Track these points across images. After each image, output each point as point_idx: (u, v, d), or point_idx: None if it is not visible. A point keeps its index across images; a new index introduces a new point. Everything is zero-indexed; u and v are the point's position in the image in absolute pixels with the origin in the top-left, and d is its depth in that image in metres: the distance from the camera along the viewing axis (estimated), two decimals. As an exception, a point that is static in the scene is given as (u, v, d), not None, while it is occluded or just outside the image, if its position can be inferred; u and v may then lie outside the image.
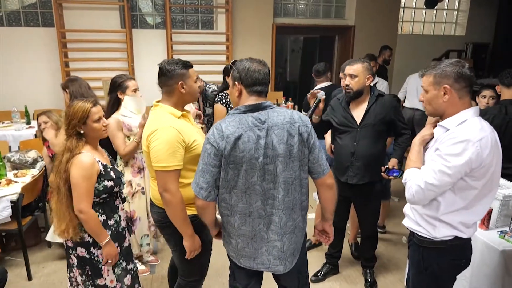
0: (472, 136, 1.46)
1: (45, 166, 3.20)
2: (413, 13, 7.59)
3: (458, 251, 1.64)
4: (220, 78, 6.13)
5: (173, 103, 1.84)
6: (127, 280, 2.02)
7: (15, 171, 3.08)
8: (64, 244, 1.96)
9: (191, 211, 1.82)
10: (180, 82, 1.80)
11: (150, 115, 1.89)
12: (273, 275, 1.83)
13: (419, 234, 1.68)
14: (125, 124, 2.60)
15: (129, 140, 2.62)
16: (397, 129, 2.51)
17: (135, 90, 2.68)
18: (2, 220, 2.67)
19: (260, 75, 1.58)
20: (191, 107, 3.05)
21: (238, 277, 1.81)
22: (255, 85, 1.58)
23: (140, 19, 5.92)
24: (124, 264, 2.00)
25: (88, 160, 1.78)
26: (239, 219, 1.63)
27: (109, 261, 1.88)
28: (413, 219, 1.71)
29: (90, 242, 1.87)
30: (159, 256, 3.14)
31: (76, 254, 1.89)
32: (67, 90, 2.88)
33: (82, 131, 1.81)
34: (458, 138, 1.48)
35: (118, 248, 1.94)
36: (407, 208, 1.78)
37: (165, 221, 1.88)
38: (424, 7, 7.10)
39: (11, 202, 2.64)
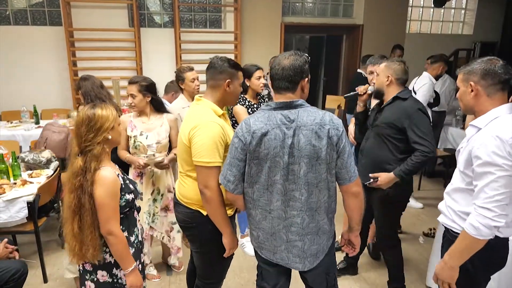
0: (502, 134, 1.43)
1: (59, 166, 3.16)
2: (421, 12, 7.55)
3: (493, 250, 1.59)
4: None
5: (215, 99, 1.83)
6: None
7: (30, 172, 3.04)
8: (80, 269, 1.75)
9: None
10: (228, 80, 1.81)
11: (191, 109, 1.88)
12: (301, 276, 1.80)
13: (454, 230, 1.65)
14: (132, 123, 2.58)
15: (130, 140, 2.56)
16: (409, 140, 2.23)
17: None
18: (19, 221, 2.63)
19: (282, 71, 1.53)
20: None
21: (266, 276, 1.78)
22: (277, 80, 1.55)
23: (148, 18, 5.88)
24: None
25: (111, 175, 1.61)
26: (260, 214, 1.64)
27: None
28: (449, 217, 1.68)
29: (112, 262, 1.69)
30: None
31: (95, 280, 1.71)
32: (80, 90, 2.85)
33: (109, 137, 1.65)
34: (489, 134, 1.46)
35: (140, 265, 1.78)
36: (442, 205, 1.76)
37: (192, 221, 1.85)
38: (432, 6, 7.06)
39: (28, 203, 2.60)
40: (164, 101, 4.31)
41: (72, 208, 1.59)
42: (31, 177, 2.94)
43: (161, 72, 5.65)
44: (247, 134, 1.53)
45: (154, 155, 2.56)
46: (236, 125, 2.81)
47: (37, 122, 4.62)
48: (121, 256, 1.65)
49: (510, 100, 2.75)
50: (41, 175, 2.97)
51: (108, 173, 1.62)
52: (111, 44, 5.53)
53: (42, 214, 2.90)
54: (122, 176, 1.74)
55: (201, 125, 1.70)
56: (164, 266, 3.00)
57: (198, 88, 2.96)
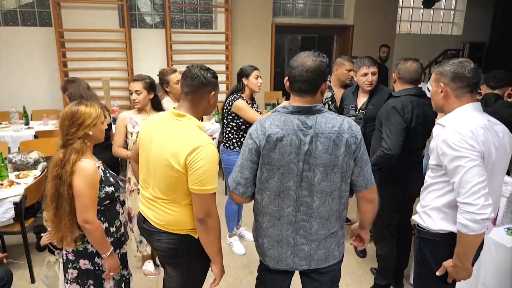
0: (461, 129, 1.49)
1: (47, 167, 3.16)
2: (410, 13, 7.62)
3: (453, 246, 1.61)
4: (218, 77, 6.14)
5: (196, 114, 1.63)
6: (122, 287, 1.97)
7: (17, 172, 3.04)
8: (64, 258, 1.83)
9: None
10: (213, 92, 1.64)
11: (173, 126, 1.60)
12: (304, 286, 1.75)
13: (419, 224, 1.71)
14: (132, 120, 2.63)
15: (131, 137, 2.61)
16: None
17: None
18: (5, 222, 2.63)
19: (307, 73, 1.43)
20: None
21: (268, 281, 1.75)
22: (299, 81, 1.45)
23: (139, 19, 5.89)
24: (122, 271, 1.95)
25: (90, 166, 1.69)
26: (267, 221, 1.58)
27: (111, 274, 1.81)
28: (418, 212, 1.74)
29: (94, 252, 1.78)
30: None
31: (78, 267, 1.80)
32: (66, 92, 2.89)
33: (91, 133, 1.74)
34: (449, 131, 1.51)
35: (118, 254, 1.88)
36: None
37: (180, 247, 1.68)
38: (422, 6, 7.14)
39: (14, 203, 2.61)
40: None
41: (49, 196, 1.70)
42: (18, 178, 2.94)
43: (152, 73, 5.63)
44: (262, 137, 1.46)
45: None
46: (235, 120, 2.87)
47: (26, 123, 4.60)
48: (98, 243, 1.74)
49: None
50: (28, 176, 2.98)
51: (87, 164, 1.69)
52: (101, 45, 5.53)
53: (29, 215, 2.90)
54: (103, 169, 1.81)
55: (201, 149, 1.50)
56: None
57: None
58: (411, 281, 2.75)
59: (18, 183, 2.82)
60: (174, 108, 1.65)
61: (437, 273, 1.63)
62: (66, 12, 5.37)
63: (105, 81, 4.80)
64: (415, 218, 1.75)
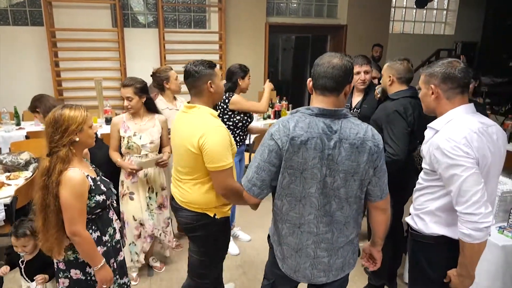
0: (454, 136, 1.46)
1: (38, 168, 3.12)
2: (403, 13, 7.66)
3: (449, 251, 1.60)
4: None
5: (204, 103, 1.86)
6: None
7: (8, 174, 3.00)
8: (55, 266, 1.77)
9: (222, 214, 1.92)
10: (209, 81, 1.83)
11: (187, 116, 1.86)
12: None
13: (412, 227, 1.71)
14: (124, 124, 2.60)
15: (124, 141, 2.57)
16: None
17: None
18: (-5, 223, 2.60)
19: (332, 70, 1.39)
20: None
21: (278, 285, 1.73)
22: (324, 78, 1.41)
23: (132, 18, 5.85)
24: (119, 280, 1.88)
25: (78, 176, 1.59)
26: (287, 228, 1.54)
27: (104, 286, 1.73)
28: (410, 213, 1.74)
29: (85, 262, 1.71)
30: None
31: (69, 277, 1.72)
32: (37, 110, 2.66)
33: (77, 139, 1.63)
34: (443, 138, 1.49)
35: (114, 263, 1.81)
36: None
37: (197, 223, 1.91)
38: (415, 6, 7.19)
39: (4, 205, 2.57)
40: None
41: (37, 206, 1.62)
42: (9, 179, 2.90)
43: (145, 73, 5.60)
44: (285, 139, 1.40)
45: (147, 155, 2.62)
46: (231, 119, 2.88)
47: (18, 124, 4.55)
48: (88, 255, 1.67)
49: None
50: (19, 177, 2.94)
51: (74, 174, 1.59)
52: (94, 45, 5.49)
53: (21, 216, 2.86)
54: (94, 177, 1.72)
55: (209, 132, 1.73)
56: (145, 268, 3.00)
57: (181, 86, 3.00)
58: (405, 280, 2.78)
59: (8, 185, 2.78)
60: (187, 102, 1.91)
61: (445, 280, 1.62)
62: (58, 12, 5.32)
63: (98, 81, 4.75)
64: (407, 219, 1.74)
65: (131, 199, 2.66)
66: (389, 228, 2.43)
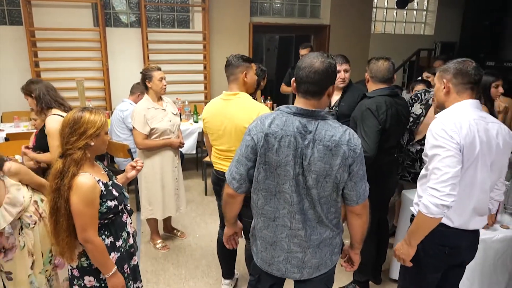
0: (445, 121, 1.56)
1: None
2: (385, 13, 7.80)
3: (444, 237, 1.69)
4: (196, 77, 6.11)
5: (240, 90, 2.19)
6: None
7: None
8: (68, 273, 1.76)
9: None
10: (244, 72, 2.18)
11: (234, 102, 2.17)
12: (296, 286, 1.72)
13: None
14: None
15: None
16: None
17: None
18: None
19: (314, 75, 1.39)
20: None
21: (263, 280, 1.73)
22: (306, 83, 1.42)
23: (114, 18, 5.77)
24: (132, 285, 1.85)
25: (89, 182, 1.56)
26: (262, 222, 1.58)
27: None
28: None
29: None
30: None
31: (83, 285, 1.70)
32: (32, 95, 2.59)
33: (92, 143, 1.61)
34: (436, 122, 1.59)
35: (128, 268, 1.79)
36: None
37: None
38: (396, 7, 7.32)
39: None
40: (130, 101, 4.27)
41: (49, 209, 1.60)
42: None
43: (128, 73, 5.57)
44: (260, 135, 1.45)
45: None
46: None
47: (-4, 125, 4.44)
48: (99, 262, 1.65)
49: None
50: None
51: (85, 179, 1.56)
52: (75, 44, 5.39)
53: None
54: (105, 181, 1.69)
55: (262, 112, 2.02)
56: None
57: (165, 88, 2.96)
58: (390, 276, 2.83)
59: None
60: (224, 92, 2.24)
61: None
62: (37, 10, 5.19)
63: (79, 81, 4.67)
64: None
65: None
66: (374, 225, 2.50)
